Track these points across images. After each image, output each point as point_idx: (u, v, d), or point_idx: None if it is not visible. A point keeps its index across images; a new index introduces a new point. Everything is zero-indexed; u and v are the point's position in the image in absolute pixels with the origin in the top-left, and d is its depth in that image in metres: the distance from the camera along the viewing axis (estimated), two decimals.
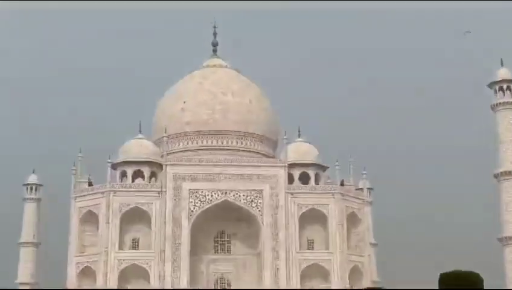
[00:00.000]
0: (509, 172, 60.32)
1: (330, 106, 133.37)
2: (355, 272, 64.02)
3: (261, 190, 62.11)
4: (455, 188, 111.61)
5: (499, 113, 61.81)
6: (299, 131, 68.75)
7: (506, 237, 59.03)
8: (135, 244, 62.68)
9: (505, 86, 61.99)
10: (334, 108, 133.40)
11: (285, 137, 66.33)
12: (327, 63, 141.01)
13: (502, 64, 63.65)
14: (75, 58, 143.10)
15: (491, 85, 62.72)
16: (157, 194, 61.46)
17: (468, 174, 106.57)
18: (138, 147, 65.13)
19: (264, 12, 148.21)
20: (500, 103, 61.59)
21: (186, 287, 60.47)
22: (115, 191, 61.67)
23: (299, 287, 61.61)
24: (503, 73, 62.58)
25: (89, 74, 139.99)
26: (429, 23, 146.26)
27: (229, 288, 65.12)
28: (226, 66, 76.86)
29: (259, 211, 61.95)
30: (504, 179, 60.52)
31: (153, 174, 63.95)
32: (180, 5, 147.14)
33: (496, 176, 61.61)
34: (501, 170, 60.92)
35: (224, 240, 65.60)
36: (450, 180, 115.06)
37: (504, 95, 61.63)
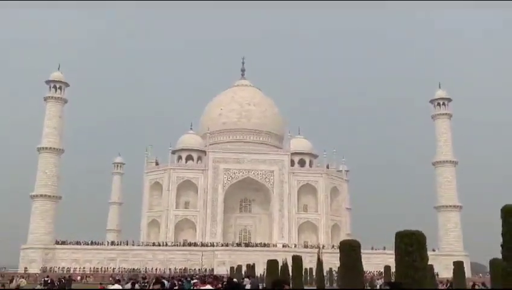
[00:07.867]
0: (443, 161, 78.86)
1: (322, 112, 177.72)
2: (335, 228, 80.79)
3: (272, 170, 79.33)
4: (404, 171, 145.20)
5: (437, 121, 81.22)
6: (299, 130, 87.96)
7: (439, 206, 78.41)
8: (186, 205, 77.58)
9: (441, 102, 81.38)
10: (325, 113, 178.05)
11: (289, 134, 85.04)
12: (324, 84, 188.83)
13: (439, 87, 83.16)
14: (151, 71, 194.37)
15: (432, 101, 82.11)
16: (202, 172, 78.09)
17: (413, 162, 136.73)
18: (190, 139, 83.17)
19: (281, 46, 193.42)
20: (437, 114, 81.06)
21: (220, 235, 73.31)
22: (173, 169, 78.19)
23: (296, 236, 75.52)
24: (440, 93, 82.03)
25: (157, 88, 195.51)
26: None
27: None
28: (250, 86, 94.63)
29: (270, 184, 78.75)
30: (439, 166, 79.46)
31: (199, 158, 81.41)
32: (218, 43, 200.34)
33: (433, 163, 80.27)
34: (437, 159, 79.94)
35: (247, 204, 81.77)
36: (402, 166, 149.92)
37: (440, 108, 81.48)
